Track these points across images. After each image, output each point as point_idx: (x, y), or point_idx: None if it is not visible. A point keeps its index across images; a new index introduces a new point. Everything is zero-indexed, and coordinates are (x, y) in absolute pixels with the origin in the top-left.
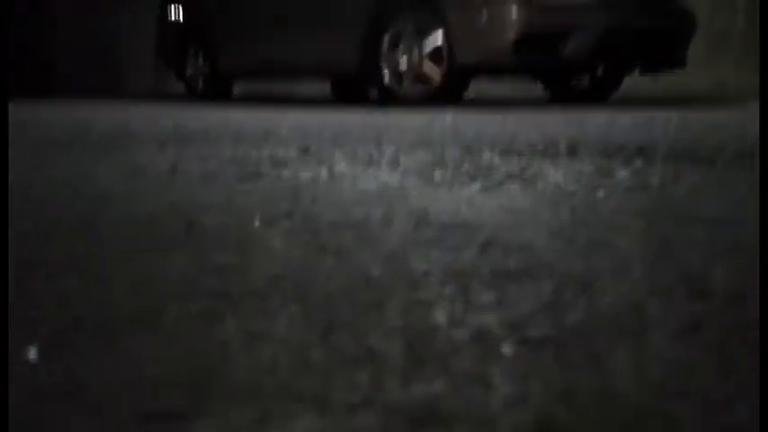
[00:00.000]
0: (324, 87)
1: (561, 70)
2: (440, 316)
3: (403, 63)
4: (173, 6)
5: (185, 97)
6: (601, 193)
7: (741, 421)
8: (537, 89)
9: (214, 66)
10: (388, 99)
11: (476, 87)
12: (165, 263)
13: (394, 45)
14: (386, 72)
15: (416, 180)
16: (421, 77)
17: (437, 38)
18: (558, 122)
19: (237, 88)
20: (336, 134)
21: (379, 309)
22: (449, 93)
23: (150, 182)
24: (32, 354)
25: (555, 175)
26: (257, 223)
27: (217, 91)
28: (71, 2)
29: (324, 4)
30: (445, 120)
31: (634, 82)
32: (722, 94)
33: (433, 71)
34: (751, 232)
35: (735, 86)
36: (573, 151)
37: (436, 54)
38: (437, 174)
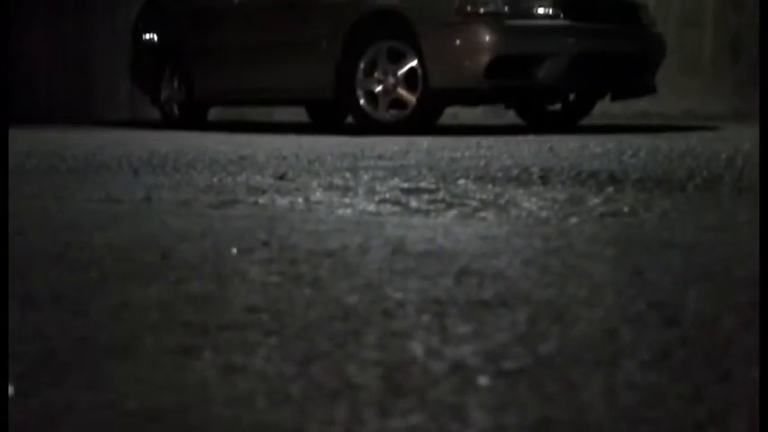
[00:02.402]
0: (300, 112)
1: (534, 95)
2: (416, 347)
3: (378, 89)
4: (148, 27)
5: (160, 123)
6: (573, 221)
7: None
8: (510, 115)
9: (189, 91)
10: (364, 124)
11: (451, 113)
12: (141, 293)
13: (369, 71)
14: (361, 98)
15: (393, 208)
16: (396, 103)
17: (412, 63)
18: (530, 149)
19: (213, 113)
20: (312, 160)
21: (357, 339)
22: (424, 118)
23: (125, 210)
24: (8, 388)
25: (528, 202)
26: (234, 252)
27: (192, 117)
28: (44, 27)
29: (300, 31)
30: (421, 146)
31: (605, 108)
32: (692, 121)
33: (409, 96)
34: (723, 258)
35: (704, 113)
36: (546, 178)
37: (411, 79)
38: (413, 201)
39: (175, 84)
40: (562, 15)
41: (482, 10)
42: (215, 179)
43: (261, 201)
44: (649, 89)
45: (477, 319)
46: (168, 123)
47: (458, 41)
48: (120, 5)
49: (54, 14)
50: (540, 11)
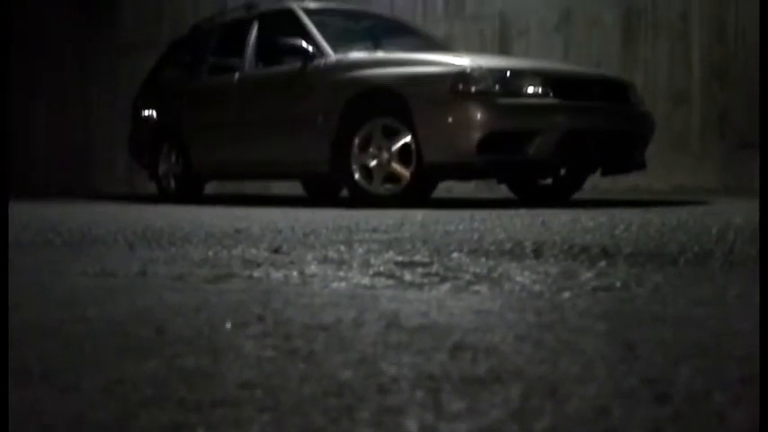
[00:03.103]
0: (295, 185)
1: (525, 170)
2: (411, 424)
3: (373, 163)
4: (147, 104)
5: (157, 197)
6: (566, 295)
7: None
8: (503, 189)
9: (187, 165)
10: (359, 198)
11: (444, 187)
12: (136, 368)
13: (364, 146)
14: (356, 172)
15: (387, 281)
16: (391, 177)
17: (406, 139)
18: (523, 222)
19: (209, 187)
20: (308, 233)
21: (351, 416)
22: (418, 192)
23: (120, 284)
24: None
25: (521, 276)
26: (228, 327)
27: (189, 191)
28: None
29: (297, 108)
30: (415, 219)
31: (595, 183)
32: (682, 195)
33: (403, 171)
34: (714, 332)
35: (694, 187)
36: (538, 252)
37: (405, 154)
38: (407, 275)
39: (173, 158)
40: (551, 94)
41: (474, 89)
42: (210, 253)
43: (256, 274)
44: (639, 165)
45: (472, 395)
46: (165, 197)
47: (450, 119)
48: (120, 83)
49: (55, 90)
50: (530, 90)
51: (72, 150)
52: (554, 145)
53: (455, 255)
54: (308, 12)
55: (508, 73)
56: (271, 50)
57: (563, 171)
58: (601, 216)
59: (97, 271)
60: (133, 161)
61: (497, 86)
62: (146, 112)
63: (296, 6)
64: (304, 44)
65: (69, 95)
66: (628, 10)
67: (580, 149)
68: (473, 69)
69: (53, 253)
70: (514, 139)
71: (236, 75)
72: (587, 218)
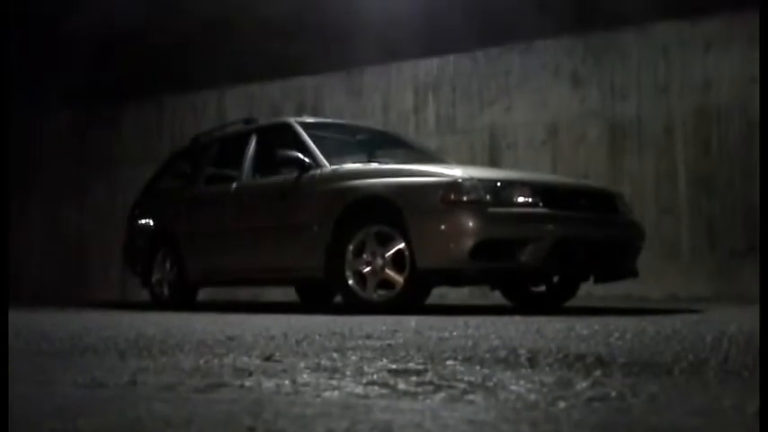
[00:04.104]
0: (289, 291)
1: (518, 278)
2: None
3: (367, 269)
4: (144, 212)
5: (149, 305)
6: (561, 405)
7: None
8: (497, 296)
9: (181, 272)
10: (353, 303)
11: (438, 293)
12: None
13: (358, 253)
14: (350, 278)
15: (380, 390)
16: (384, 283)
17: (399, 246)
18: (517, 329)
19: (202, 293)
20: (300, 340)
21: None
22: (412, 298)
23: (110, 395)
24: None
25: (516, 385)
26: None
27: (182, 298)
28: (41, 208)
29: (292, 216)
30: (408, 325)
31: (589, 290)
32: (675, 304)
33: (396, 277)
34: None
35: (687, 296)
36: (533, 360)
37: (399, 261)
38: (401, 383)
39: (167, 266)
40: (541, 204)
41: (465, 198)
42: (201, 361)
43: (247, 383)
44: (631, 273)
45: None
46: (158, 304)
47: (443, 226)
48: (117, 191)
49: (52, 197)
50: (521, 199)
51: (66, 256)
52: (545, 253)
53: (449, 362)
54: (305, 125)
55: (498, 183)
56: (268, 162)
57: (556, 278)
58: (595, 324)
59: (87, 381)
60: (127, 269)
61: (488, 196)
62: (142, 220)
63: (293, 121)
64: (300, 155)
65: (66, 201)
66: (613, 126)
67: (571, 257)
68: (464, 180)
69: (44, 362)
70: (506, 247)
71: (234, 184)
72: (582, 325)
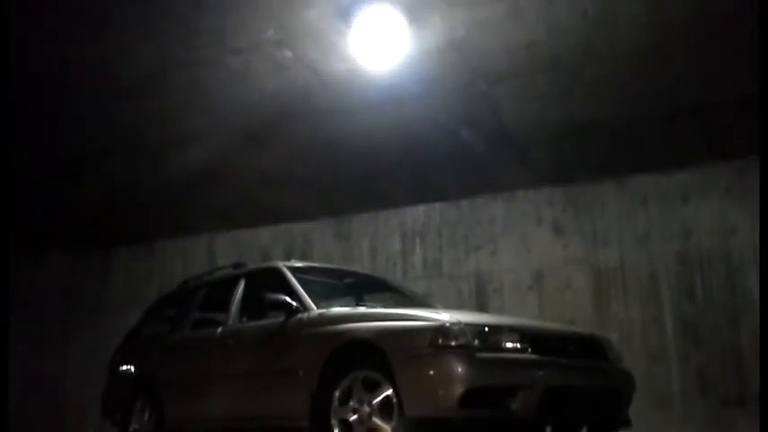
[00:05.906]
0: None
1: (509, 426)
2: None
3: (353, 417)
4: (125, 358)
5: None
6: None
7: None
8: None
9: (159, 421)
10: None
11: None
12: None
13: (344, 399)
14: (336, 427)
15: None
16: (372, 431)
17: (387, 393)
18: None
19: None
20: None
21: None
22: None
23: None
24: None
25: None
26: None
27: None
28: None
29: (277, 361)
30: None
31: None
32: None
33: (384, 426)
34: None
35: None
36: None
37: (386, 408)
38: None
39: (146, 415)
40: (530, 350)
41: (453, 343)
42: None
43: None
44: (624, 422)
45: None
46: None
47: (431, 372)
48: (103, 337)
49: (31, 344)
50: (509, 345)
51: (43, 406)
52: (537, 401)
53: None
54: (293, 269)
55: (486, 328)
56: (256, 306)
57: (549, 429)
58: None
59: None
60: (105, 419)
61: (476, 341)
62: (123, 368)
63: (281, 265)
64: (288, 299)
65: (49, 344)
66: (597, 272)
67: (562, 406)
68: (452, 324)
69: None
70: (497, 395)
71: (220, 328)
72: None
